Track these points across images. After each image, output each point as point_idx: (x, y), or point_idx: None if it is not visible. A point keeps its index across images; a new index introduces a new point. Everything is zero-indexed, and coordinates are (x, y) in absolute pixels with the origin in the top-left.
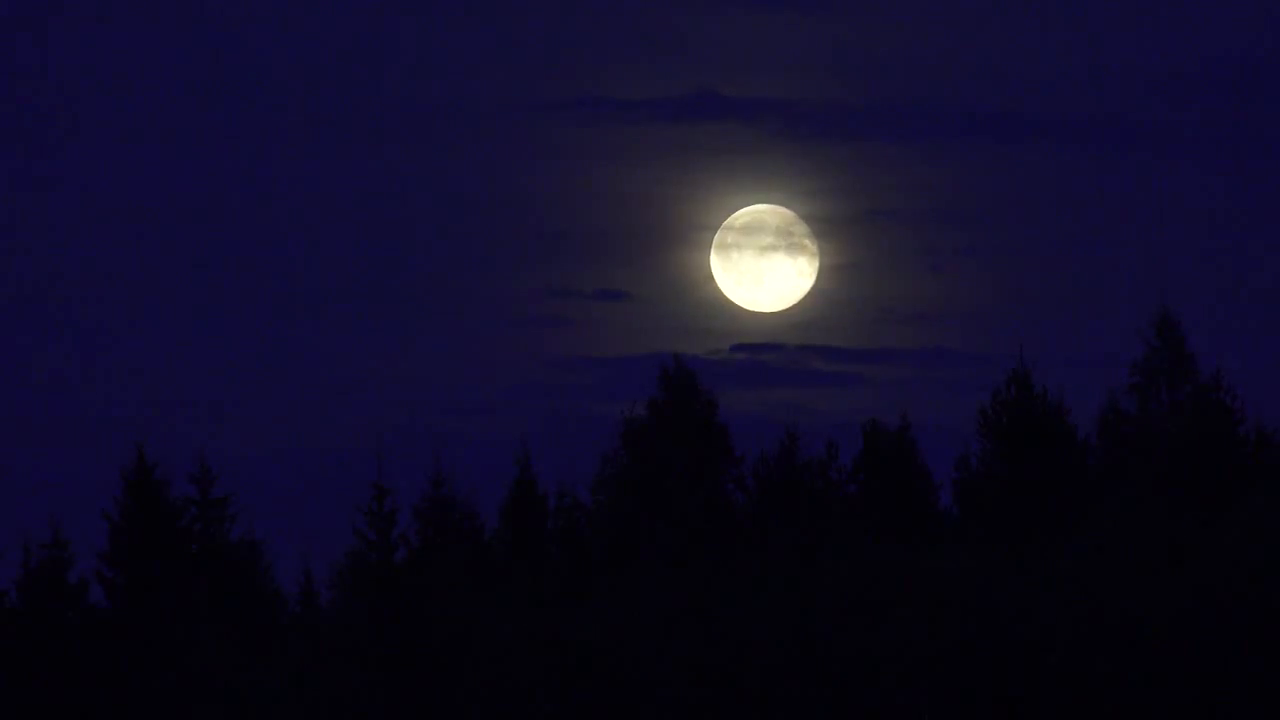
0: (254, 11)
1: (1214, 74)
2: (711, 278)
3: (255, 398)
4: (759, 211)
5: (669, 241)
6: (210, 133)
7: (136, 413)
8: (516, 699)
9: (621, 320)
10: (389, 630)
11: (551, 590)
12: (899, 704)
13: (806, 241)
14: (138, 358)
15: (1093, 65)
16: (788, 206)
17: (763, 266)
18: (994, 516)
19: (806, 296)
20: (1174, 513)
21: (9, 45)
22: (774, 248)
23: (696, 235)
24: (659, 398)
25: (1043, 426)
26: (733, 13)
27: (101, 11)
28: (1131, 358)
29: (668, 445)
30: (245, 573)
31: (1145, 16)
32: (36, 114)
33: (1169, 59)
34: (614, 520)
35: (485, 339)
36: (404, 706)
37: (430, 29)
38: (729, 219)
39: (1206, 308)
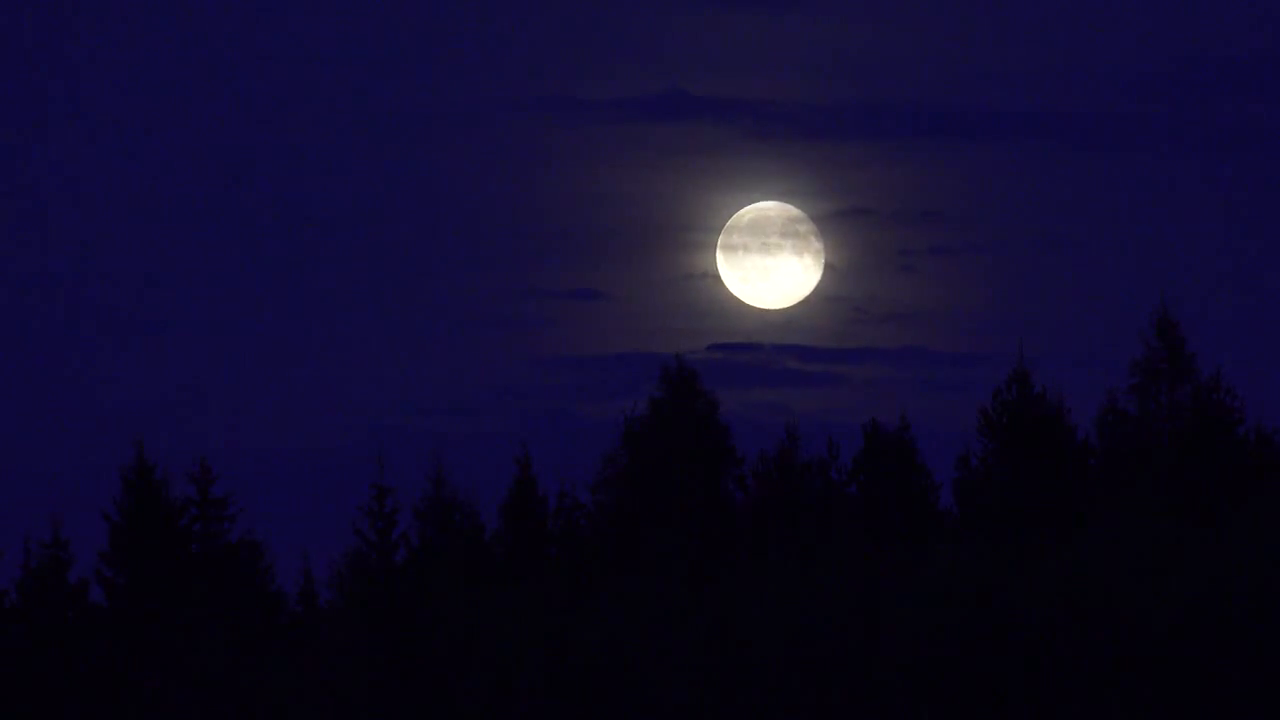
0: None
1: (1199, 71)
2: (687, 277)
3: (255, 397)
4: (764, 208)
5: (642, 241)
6: (208, 133)
7: (136, 413)
8: (517, 699)
9: (596, 320)
10: (389, 630)
11: (551, 590)
12: (899, 704)
13: (812, 239)
14: (138, 358)
15: (1070, 63)
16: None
17: (768, 264)
18: (994, 516)
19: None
20: (1174, 513)
21: (11, 37)
22: (779, 245)
23: (671, 235)
24: (659, 397)
25: (1043, 426)
26: (701, 13)
27: (106, 11)
28: (1129, 358)
29: (668, 445)
30: (245, 573)
31: (1121, 14)
32: (36, 112)
33: (1149, 56)
34: (614, 520)
35: (459, 340)
36: (404, 706)
37: (403, 31)
38: (734, 216)
39: (1206, 308)
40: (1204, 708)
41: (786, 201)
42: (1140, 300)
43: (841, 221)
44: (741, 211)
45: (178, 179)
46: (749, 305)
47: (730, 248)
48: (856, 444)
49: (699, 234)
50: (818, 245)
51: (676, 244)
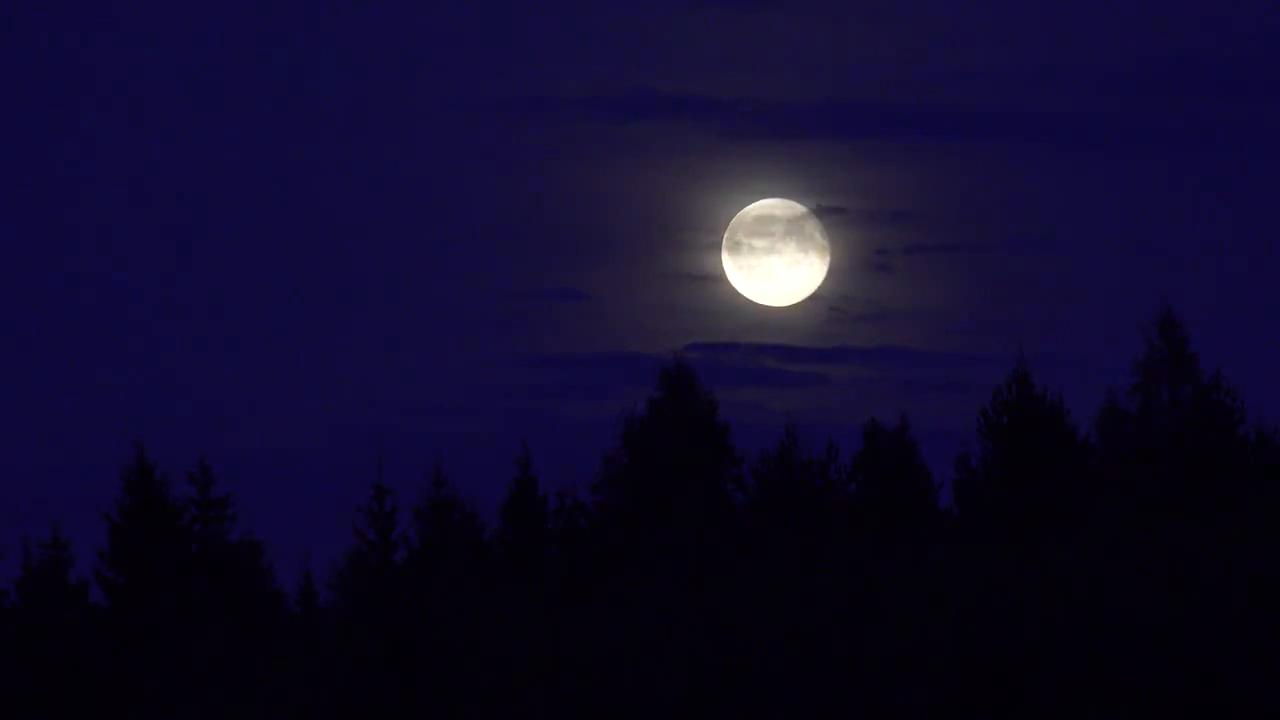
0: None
1: (1178, 70)
2: (666, 275)
3: (255, 397)
4: (769, 205)
5: (619, 240)
6: (204, 133)
7: (136, 413)
8: (516, 699)
9: (575, 320)
10: (389, 630)
11: (551, 591)
12: (899, 704)
13: (817, 235)
14: (138, 358)
15: (1045, 62)
16: (738, 205)
17: (773, 262)
18: (994, 516)
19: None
20: (1174, 512)
21: (8, 38)
22: (784, 242)
23: (647, 234)
24: (658, 396)
25: (1043, 426)
26: (668, 11)
27: (106, 12)
28: (1114, 357)
29: (668, 445)
30: (245, 573)
31: (1096, 13)
32: (36, 113)
33: (1126, 55)
34: (614, 520)
35: (455, 340)
36: (404, 706)
37: (373, 29)
38: (739, 213)
39: (1206, 308)
40: (1204, 708)
41: (757, 200)
42: (1122, 299)
43: (816, 221)
44: (746, 209)
45: (176, 180)
46: (729, 305)
47: (733, 246)
48: (848, 443)
49: (676, 233)
50: (823, 242)
51: (653, 243)
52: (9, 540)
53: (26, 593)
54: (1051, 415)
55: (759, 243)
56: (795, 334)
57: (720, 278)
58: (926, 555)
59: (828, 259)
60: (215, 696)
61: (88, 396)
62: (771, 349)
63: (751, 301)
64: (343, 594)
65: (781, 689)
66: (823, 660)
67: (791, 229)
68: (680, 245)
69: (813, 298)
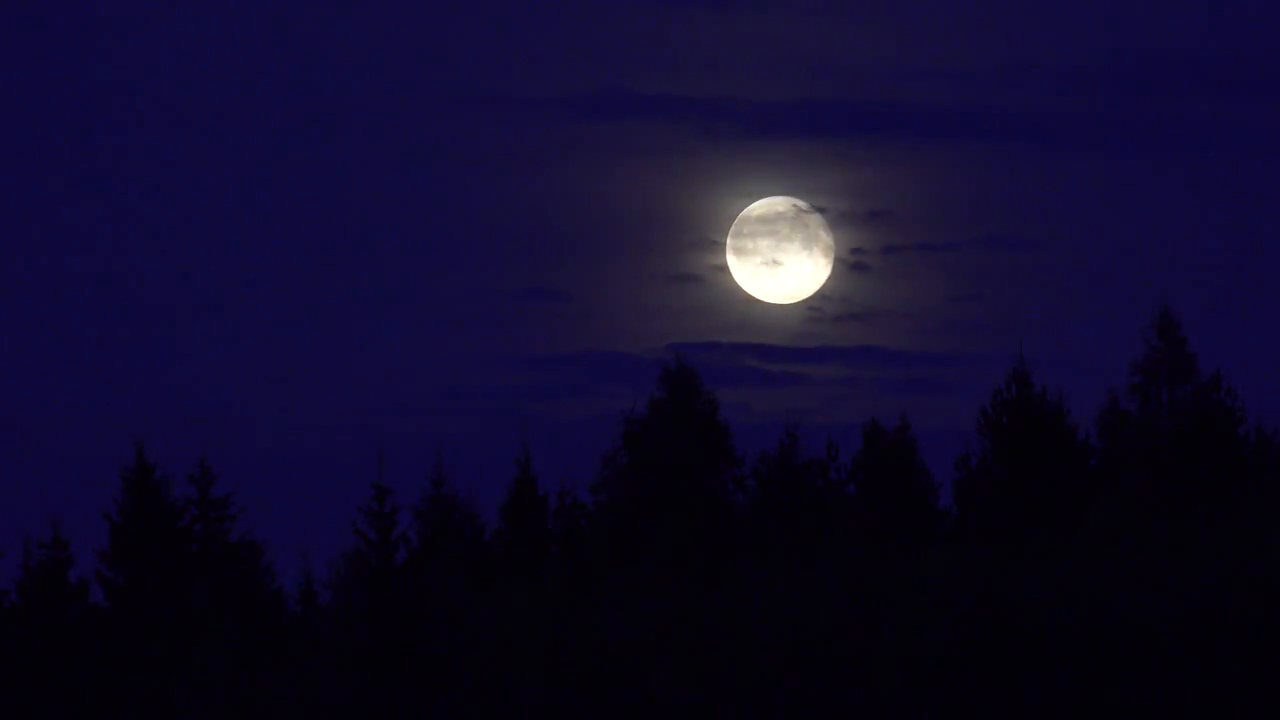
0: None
1: (1156, 67)
2: (642, 276)
3: (255, 397)
4: (772, 203)
5: (600, 240)
6: (203, 133)
7: (136, 413)
8: (516, 699)
9: (555, 320)
10: (389, 630)
11: (551, 590)
12: (899, 704)
13: (821, 232)
14: (139, 357)
15: (1022, 60)
16: (718, 205)
17: (775, 259)
18: (994, 516)
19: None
20: (1174, 512)
21: (18, 43)
22: (788, 239)
23: (626, 234)
24: (660, 396)
25: (1043, 426)
26: (642, 9)
27: (112, 16)
28: (1116, 358)
29: (668, 445)
30: (245, 573)
31: (1076, 10)
32: (36, 112)
33: (1104, 52)
34: (614, 520)
35: (450, 340)
36: (404, 706)
37: (367, 32)
38: (743, 211)
39: (1206, 308)
40: (1204, 707)
41: (740, 201)
42: (1111, 299)
43: (793, 220)
44: (750, 207)
45: (176, 180)
46: (708, 304)
47: (717, 246)
48: (842, 443)
49: (653, 232)
50: (828, 241)
51: (630, 242)
52: (9, 540)
53: (26, 593)
54: (1051, 415)
55: (761, 242)
56: (774, 334)
57: (701, 277)
58: (926, 555)
59: (831, 256)
60: (215, 696)
61: (88, 396)
62: (751, 348)
63: (731, 301)
64: (343, 594)
65: (781, 688)
66: (823, 660)
67: (795, 227)
68: (658, 245)
69: (791, 298)
